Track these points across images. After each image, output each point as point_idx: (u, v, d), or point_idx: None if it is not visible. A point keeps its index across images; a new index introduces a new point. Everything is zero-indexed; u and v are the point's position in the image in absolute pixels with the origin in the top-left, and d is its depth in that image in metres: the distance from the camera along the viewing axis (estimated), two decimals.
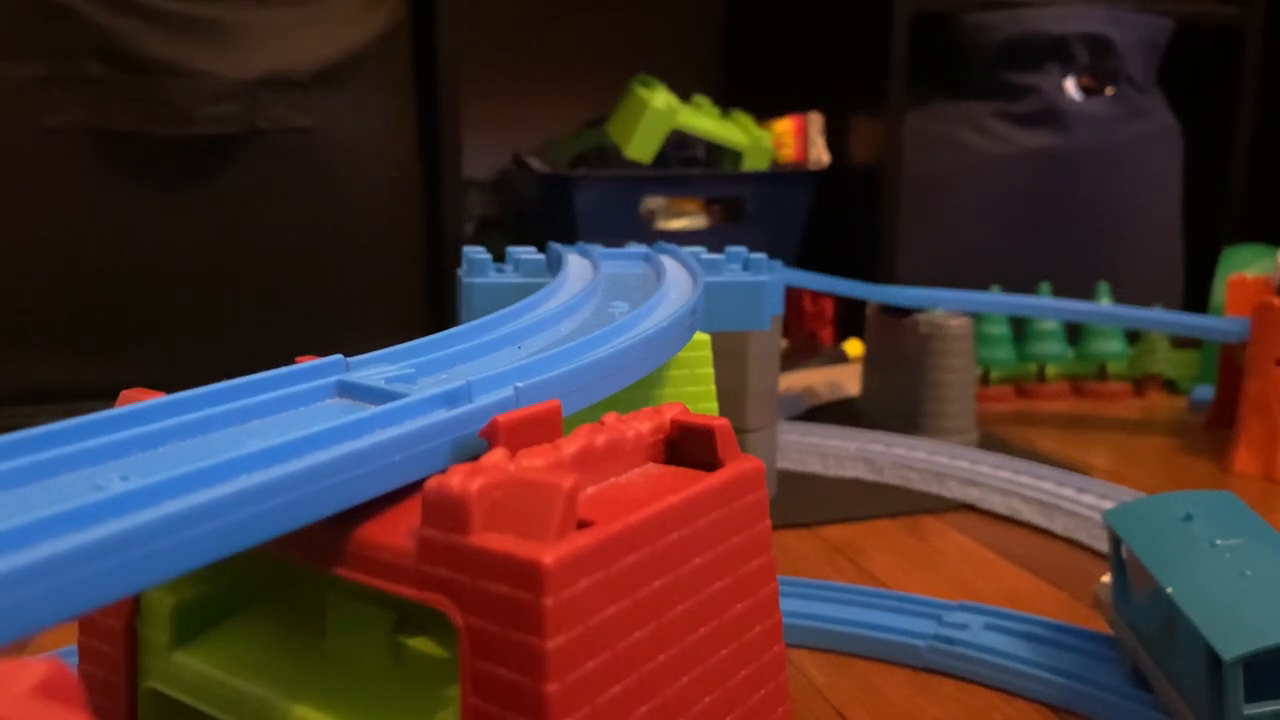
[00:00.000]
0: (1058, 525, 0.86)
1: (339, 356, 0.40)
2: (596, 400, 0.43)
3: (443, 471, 0.33)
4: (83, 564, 0.26)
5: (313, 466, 0.31)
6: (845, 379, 1.30)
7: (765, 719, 0.39)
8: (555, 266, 0.65)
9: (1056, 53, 1.50)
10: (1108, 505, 0.83)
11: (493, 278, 0.66)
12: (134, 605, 0.38)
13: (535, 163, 1.50)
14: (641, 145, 1.38)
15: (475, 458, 0.34)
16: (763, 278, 0.69)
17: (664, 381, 0.57)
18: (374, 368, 0.41)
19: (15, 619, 0.24)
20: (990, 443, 1.09)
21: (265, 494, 0.30)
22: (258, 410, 0.37)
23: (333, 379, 0.39)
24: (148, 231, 1.14)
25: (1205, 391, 1.24)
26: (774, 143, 1.48)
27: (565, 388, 0.41)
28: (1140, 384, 1.35)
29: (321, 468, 0.32)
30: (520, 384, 0.39)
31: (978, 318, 1.23)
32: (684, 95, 1.45)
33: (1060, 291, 1.32)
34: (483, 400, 0.37)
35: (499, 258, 0.69)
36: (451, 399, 0.37)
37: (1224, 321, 1.09)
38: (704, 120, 1.43)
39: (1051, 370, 1.34)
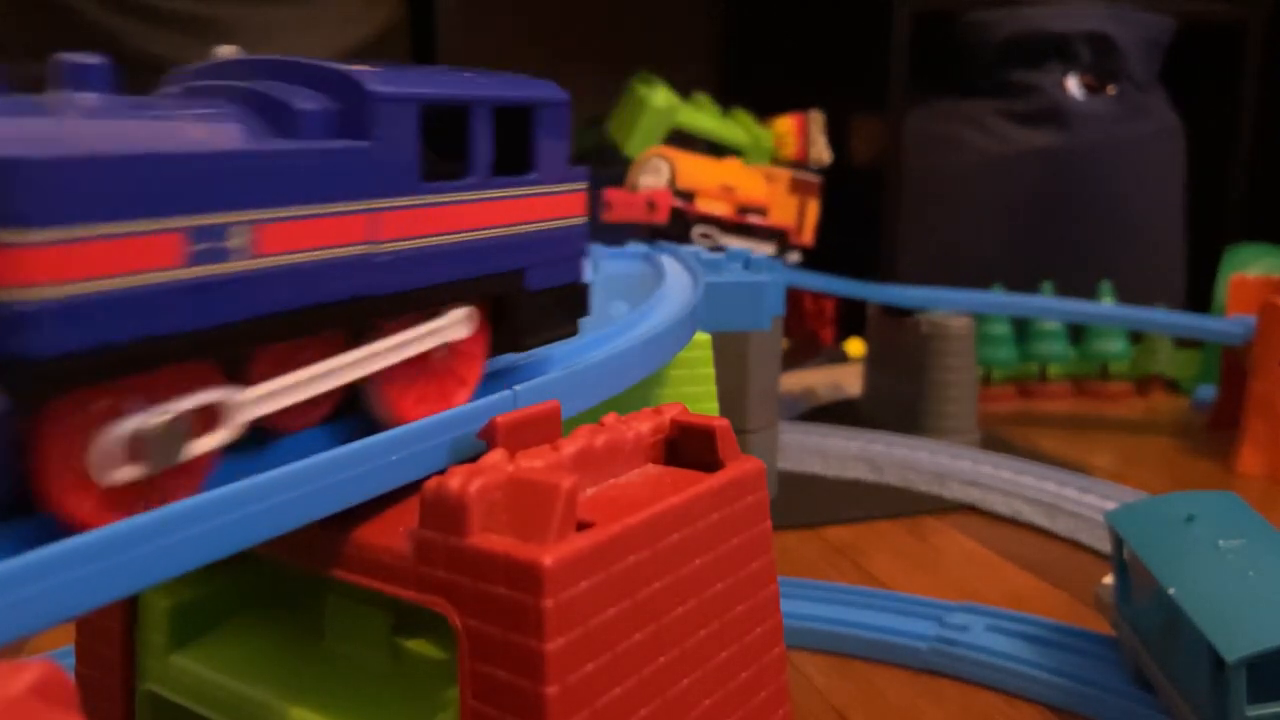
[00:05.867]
0: (1060, 526, 0.85)
1: None
2: (596, 402, 0.43)
3: (441, 472, 0.33)
4: (80, 564, 0.25)
5: (310, 466, 0.31)
6: (846, 379, 1.30)
7: None
8: None
9: (1058, 51, 1.50)
10: (1110, 506, 0.83)
11: None
12: (131, 607, 0.38)
13: None
14: (642, 143, 1.38)
15: (474, 458, 0.34)
16: (763, 278, 0.69)
17: (664, 381, 0.56)
18: None
19: (14, 619, 0.24)
20: (992, 443, 1.08)
21: (263, 494, 0.30)
22: None
23: None
24: None
25: (1208, 391, 1.24)
26: (775, 141, 1.48)
27: (565, 388, 0.40)
28: (1142, 384, 1.35)
29: (319, 467, 0.31)
30: (519, 384, 0.39)
31: (979, 317, 1.23)
32: (684, 93, 1.45)
33: (1062, 291, 1.32)
34: (481, 400, 0.37)
35: None
36: None
37: (1227, 322, 1.09)
38: (704, 118, 1.43)
39: (1053, 370, 1.34)
